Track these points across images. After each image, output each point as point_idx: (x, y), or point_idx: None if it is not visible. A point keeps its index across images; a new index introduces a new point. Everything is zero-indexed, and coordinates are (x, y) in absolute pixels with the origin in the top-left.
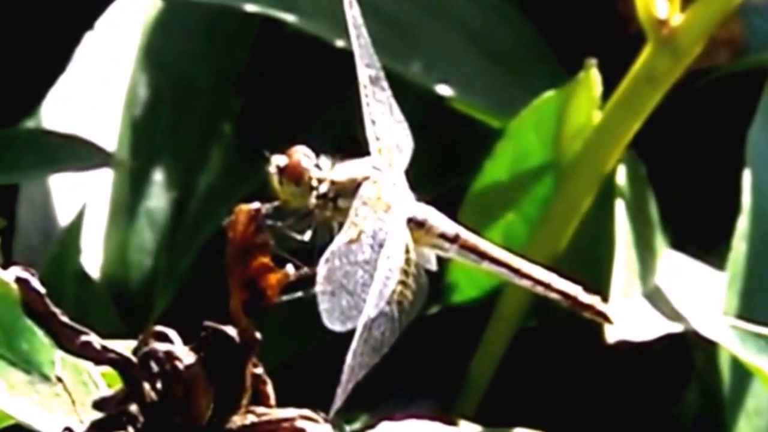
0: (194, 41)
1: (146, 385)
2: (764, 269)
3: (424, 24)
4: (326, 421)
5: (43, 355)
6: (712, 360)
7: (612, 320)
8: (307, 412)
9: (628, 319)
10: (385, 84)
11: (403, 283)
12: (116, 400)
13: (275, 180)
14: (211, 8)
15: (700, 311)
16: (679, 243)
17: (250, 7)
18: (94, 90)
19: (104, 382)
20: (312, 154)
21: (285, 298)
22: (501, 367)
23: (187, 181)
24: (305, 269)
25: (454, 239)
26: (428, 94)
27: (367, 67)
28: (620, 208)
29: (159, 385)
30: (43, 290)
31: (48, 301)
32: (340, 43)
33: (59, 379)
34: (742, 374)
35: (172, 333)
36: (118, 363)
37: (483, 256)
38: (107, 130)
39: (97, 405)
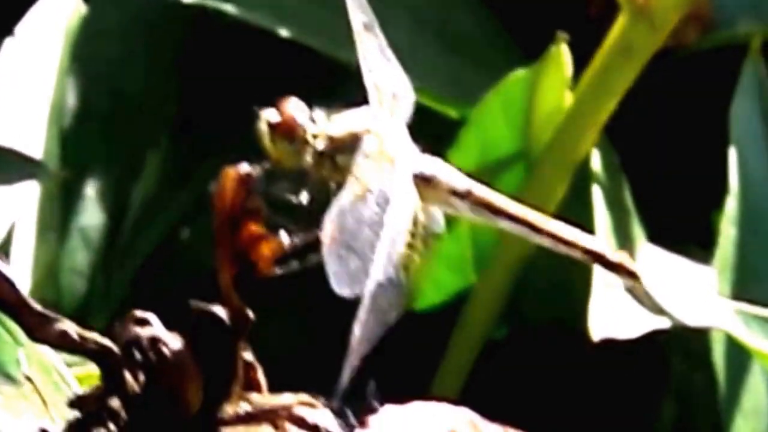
0: (122, 44)
1: (128, 376)
2: (756, 253)
3: (378, 11)
4: (328, 406)
5: (6, 354)
6: (694, 363)
7: (642, 280)
8: (305, 397)
9: (612, 315)
10: (378, 31)
11: (410, 246)
12: (95, 395)
13: (266, 138)
14: (140, 5)
15: (689, 303)
16: (652, 235)
17: None
18: (16, 99)
19: (76, 380)
20: (305, 107)
21: (280, 270)
22: (469, 380)
23: (121, 195)
24: (302, 236)
25: (465, 195)
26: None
27: (360, 13)
28: (597, 195)
29: (143, 376)
30: (13, 277)
31: (19, 289)
32: (285, 33)
33: (28, 379)
34: (738, 371)
35: (152, 318)
36: (98, 352)
37: (498, 212)
38: (32, 143)
39: (74, 403)
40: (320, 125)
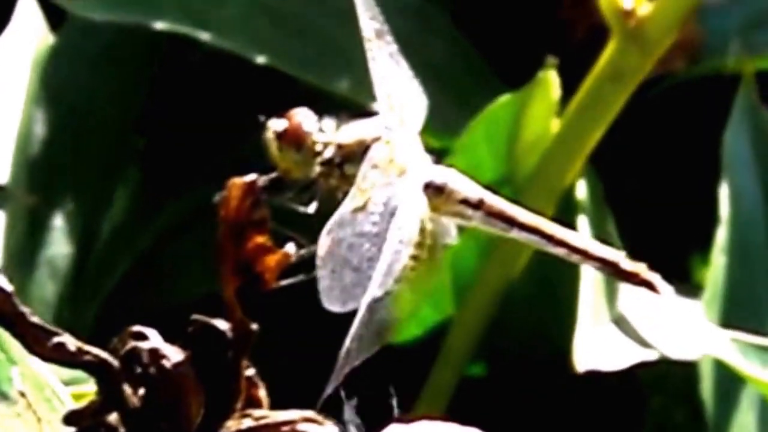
0: (92, 71)
1: (127, 390)
2: (746, 284)
3: (354, 40)
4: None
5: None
6: (674, 399)
7: (660, 290)
8: (310, 413)
9: (598, 346)
10: (390, 38)
11: (415, 258)
12: (91, 410)
13: (274, 147)
14: (111, 34)
15: (677, 336)
16: None
17: (158, 25)
18: None
19: (71, 398)
20: (313, 116)
21: (285, 282)
22: (447, 413)
23: (90, 225)
24: (308, 248)
25: (478, 205)
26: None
27: (371, 20)
28: (583, 225)
29: (142, 390)
30: (9, 288)
31: (16, 299)
32: (261, 59)
33: (22, 395)
34: (727, 406)
35: (152, 332)
36: (97, 366)
37: (512, 222)
38: None
39: (69, 419)
40: (329, 134)
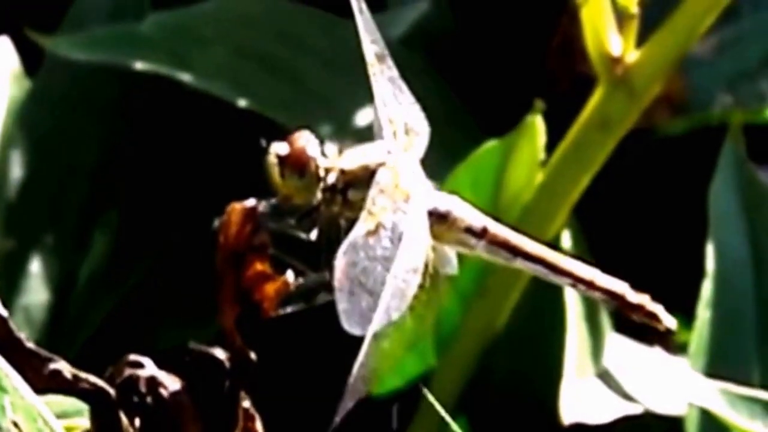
0: (70, 115)
1: (124, 419)
2: (731, 338)
3: (337, 85)
4: None
5: None
6: None
7: (665, 323)
8: None
9: (584, 399)
10: (391, 63)
11: (420, 286)
12: None
13: (275, 172)
14: (90, 75)
15: (662, 391)
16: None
17: (139, 66)
18: None
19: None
20: (316, 140)
21: (285, 310)
22: None
23: (67, 272)
24: (309, 276)
25: (481, 234)
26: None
27: (372, 44)
28: None
29: (138, 420)
30: (5, 313)
31: (12, 325)
32: (242, 103)
33: (15, 425)
34: None
35: (148, 361)
36: (93, 394)
37: (515, 252)
38: None
39: None
40: (332, 159)
